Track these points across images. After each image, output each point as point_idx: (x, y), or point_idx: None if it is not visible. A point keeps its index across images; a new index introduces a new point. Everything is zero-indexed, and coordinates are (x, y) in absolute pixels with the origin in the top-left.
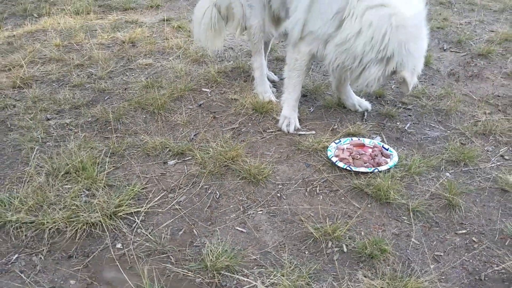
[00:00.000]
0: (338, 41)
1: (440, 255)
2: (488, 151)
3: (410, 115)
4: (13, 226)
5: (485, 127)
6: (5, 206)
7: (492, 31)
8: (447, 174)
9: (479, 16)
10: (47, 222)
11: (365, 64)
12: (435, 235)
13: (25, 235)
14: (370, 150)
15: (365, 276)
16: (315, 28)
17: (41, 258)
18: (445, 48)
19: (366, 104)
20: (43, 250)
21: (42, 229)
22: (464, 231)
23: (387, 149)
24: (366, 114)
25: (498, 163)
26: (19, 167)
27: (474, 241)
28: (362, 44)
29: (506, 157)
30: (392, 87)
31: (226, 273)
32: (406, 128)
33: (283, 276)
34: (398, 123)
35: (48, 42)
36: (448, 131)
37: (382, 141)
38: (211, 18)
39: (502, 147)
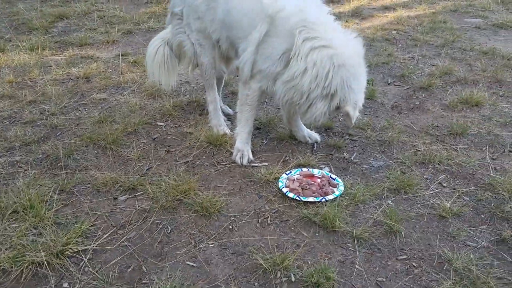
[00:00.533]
0: (286, 78)
1: (382, 281)
2: (427, 179)
3: (356, 146)
4: None
5: (424, 156)
6: None
7: (433, 65)
8: (389, 201)
9: (422, 51)
10: None
11: (312, 100)
12: (378, 261)
13: None
14: (319, 180)
15: None
16: (264, 67)
17: None
18: (389, 82)
19: (315, 136)
20: None
21: None
22: (404, 257)
23: (334, 179)
24: (315, 145)
25: (437, 190)
26: None
27: (414, 266)
28: (308, 81)
29: (444, 184)
30: (340, 119)
31: None
32: (352, 158)
33: None
34: (345, 153)
35: (1, 79)
36: (390, 161)
37: (330, 171)
38: (163, 55)
39: (440, 175)
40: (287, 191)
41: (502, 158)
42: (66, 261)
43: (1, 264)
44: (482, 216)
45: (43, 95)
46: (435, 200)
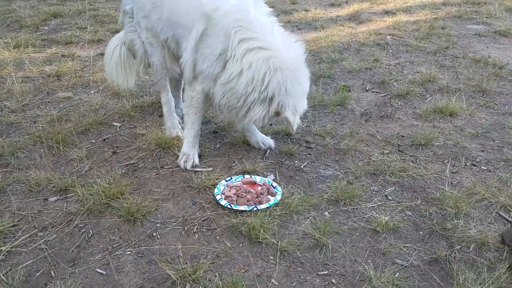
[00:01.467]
0: (223, 80)
1: None
2: (373, 191)
3: (310, 154)
4: None
5: (377, 167)
6: None
7: (418, 72)
8: (326, 213)
9: (411, 57)
10: None
11: (249, 104)
12: (297, 275)
13: None
14: (259, 188)
15: None
16: (204, 68)
17: None
18: (367, 88)
19: (269, 142)
20: None
21: None
22: (325, 272)
23: (275, 187)
24: (268, 152)
25: (380, 203)
26: None
27: (333, 282)
28: (244, 84)
29: (390, 197)
30: (304, 126)
31: None
32: (302, 166)
33: None
34: (296, 161)
35: None
36: (341, 170)
37: (275, 179)
38: (120, 55)
39: (389, 187)
40: (220, 198)
41: (462, 172)
42: None
43: None
44: (421, 233)
45: (8, 92)
46: (374, 213)
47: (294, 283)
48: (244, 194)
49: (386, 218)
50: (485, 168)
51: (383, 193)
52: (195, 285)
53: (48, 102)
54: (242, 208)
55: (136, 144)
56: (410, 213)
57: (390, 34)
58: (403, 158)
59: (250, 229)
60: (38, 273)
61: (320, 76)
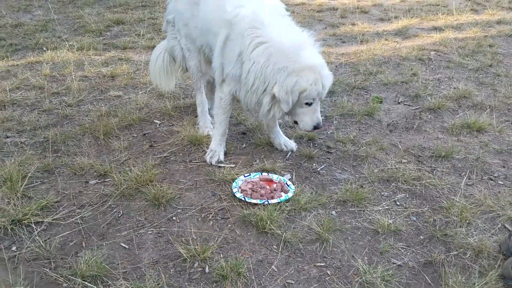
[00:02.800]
0: (242, 81)
1: (291, 283)
2: (383, 195)
3: (328, 158)
4: None
5: (390, 174)
6: None
7: (455, 88)
8: (333, 212)
9: (451, 73)
10: None
11: (259, 97)
12: (296, 264)
13: None
14: (274, 185)
15: None
16: (228, 71)
17: None
18: (400, 101)
19: (291, 145)
20: None
21: None
22: (323, 264)
23: (289, 186)
24: (289, 154)
25: (387, 207)
26: None
27: (327, 274)
28: (252, 79)
29: (398, 203)
30: (328, 133)
31: (87, 283)
32: (319, 169)
33: None
34: (314, 164)
35: (39, 72)
36: (356, 175)
37: (291, 179)
38: (163, 60)
39: (400, 193)
40: (236, 191)
41: (477, 185)
42: (21, 229)
43: None
44: (421, 237)
45: (67, 89)
46: (379, 216)
47: (292, 271)
48: (259, 189)
49: (390, 221)
50: (502, 183)
51: (392, 198)
52: (203, 263)
53: (101, 99)
54: (254, 201)
55: (171, 140)
56: (414, 219)
57: (434, 50)
58: (420, 168)
59: (258, 220)
60: (72, 243)
61: (354, 87)
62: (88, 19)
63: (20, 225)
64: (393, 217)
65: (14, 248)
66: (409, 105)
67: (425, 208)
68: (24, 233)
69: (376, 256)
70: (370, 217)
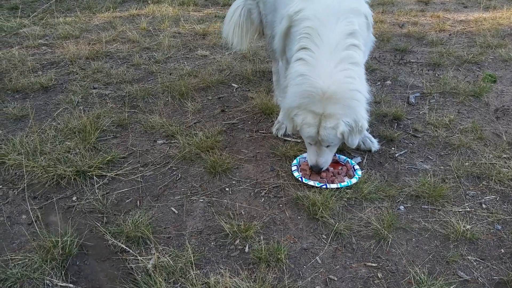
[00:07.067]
0: None
1: (333, 280)
2: (468, 195)
3: (412, 143)
4: (7, 164)
5: (484, 170)
6: (10, 148)
7: None
8: (401, 207)
9: None
10: (31, 166)
11: None
12: (344, 260)
13: (15, 173)
14: (340, 167)
15: (231, 277)
16: (289, 57)
17: (14, 193)
18: None
19: (370, 144)
20: (19, 187)
21: (27, 170)
22: (374, 265)
23: (356, 170)
24: (366, 156)
25: (469, 209)
26: (47, 121)
27: (377, 276)
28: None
29: (484, 206)
30: (420, 113)
31: (127, 245)
32: (396, 155)
33: (177, 257)
34: (393, 148)
35: (137, 25)
36: (441, 167)
37: (361, 163)
38: (240, 15)
39: (489, 194)
40: (294, 170)
41: None
42: (84, 181)
43: (38, 170)
44: (502, 250)
45: (158, 44)
46: (455, 219)
47: (338, 266)
48: None
49: (468, 226)
50: None
51: (479, 200)
52: (244, 241)
53: (187, 57)
54: (311, 183)
55: (243, 106)
56: (499, 227)
57: None
58: None
59: (310, 204)
60: (128, 200)
61: (465, 61)
62: None
63: (84, 177)
64: (473, 221)
65: (74, 198)
66: None
67: None
68: (86, 184)
69: (440, 266)
70: (445, 219)
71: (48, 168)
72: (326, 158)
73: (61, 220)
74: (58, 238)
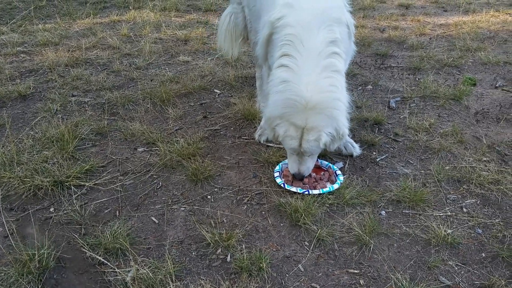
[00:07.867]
0: None
1: (316, 287)
2: (448, 199)
3: (393, 148)
4: None
5: (464, 173)
6: None
7: None
8: (383, 212)
9: None
10: (8, 177)
11: None
12: (326, 267)
13: None
14: (322, 173)
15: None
16: (271, 63)
17: None
18: (498, 85)
19: (352, 149)
20: None
21: (3, 182)
22: (356, 271)
23: (338, 176)
24: (348, 160)
25: (450, 213)
26: (24, 130)
27: (360, 284)
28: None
29: (465, 210)
30: (401, 117)
31: (106, 257)
32: (378, 160)
33: (156, 268)
34: (374, 153)
35: (118, 32)
36: (422, 171)
37: (343, 168)
38: (229, 22)
39: (470, 198)
40: (277, 176)
41: None
42: (62, 191)
43: (14, 180)
44: (483, 254)
45: (139, 51)
46: (436, 223)
47: (320, 274)
48: None
49: (449, 231)
50: None
51: (459, 203)
52: (226, 251)
53: (169, 63)
54: (293, 189)
55: (226, 112)
56: (480, 231)
57: None
58: (502, 170)
59: (293, 211)
60: (106, 211)
61: (445, 64)
62: None
63: (62, 187)
64: (454, 226)
65: (51, 210)
66: (507, 91)
67: (497, 220)
68: (64, 195)
69: (421, 271)
70: (426, 224)
71: (25, 179)
72: (308, 166)
73: (38, 232)
74: (35, 251)
